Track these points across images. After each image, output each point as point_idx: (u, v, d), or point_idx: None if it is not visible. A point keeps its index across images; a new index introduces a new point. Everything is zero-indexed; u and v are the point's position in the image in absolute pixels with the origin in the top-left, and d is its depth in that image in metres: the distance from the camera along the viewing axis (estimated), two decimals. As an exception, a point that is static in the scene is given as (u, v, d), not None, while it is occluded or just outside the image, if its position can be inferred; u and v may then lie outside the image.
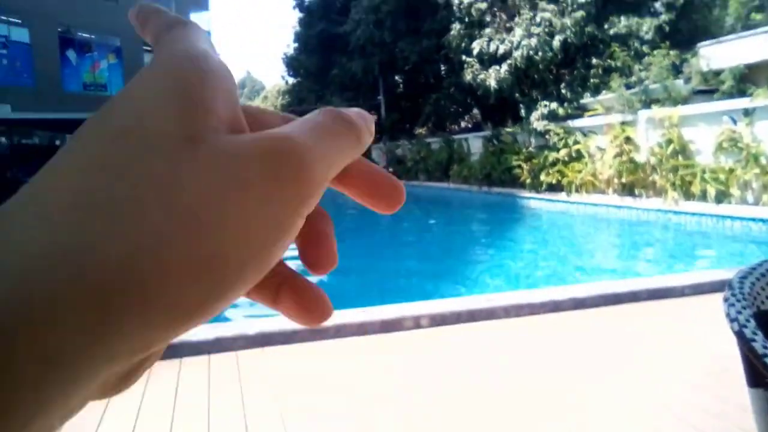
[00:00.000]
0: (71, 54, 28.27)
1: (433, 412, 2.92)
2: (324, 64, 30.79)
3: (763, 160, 10.66)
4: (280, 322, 4.22)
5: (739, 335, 0.91)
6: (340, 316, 4.27)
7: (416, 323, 4.34)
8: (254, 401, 3.06)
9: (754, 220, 10.09)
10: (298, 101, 35.32)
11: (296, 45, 34.49)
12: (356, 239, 13.14)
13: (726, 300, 1.00)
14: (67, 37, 27.93)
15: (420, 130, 29.56)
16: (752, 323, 0.91)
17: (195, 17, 37.85)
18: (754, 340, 0.89)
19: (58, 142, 27.57)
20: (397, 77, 30.33)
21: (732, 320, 0.94)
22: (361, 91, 29.57)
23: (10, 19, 25.01)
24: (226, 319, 4.61)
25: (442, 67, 26.48)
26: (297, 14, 33.70)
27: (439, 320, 4.40)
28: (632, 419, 2.80)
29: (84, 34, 28.80)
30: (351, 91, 29.75)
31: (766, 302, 1.06)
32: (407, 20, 24.90)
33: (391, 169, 27.71)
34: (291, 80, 37.19)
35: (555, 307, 4.68)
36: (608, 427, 2.74)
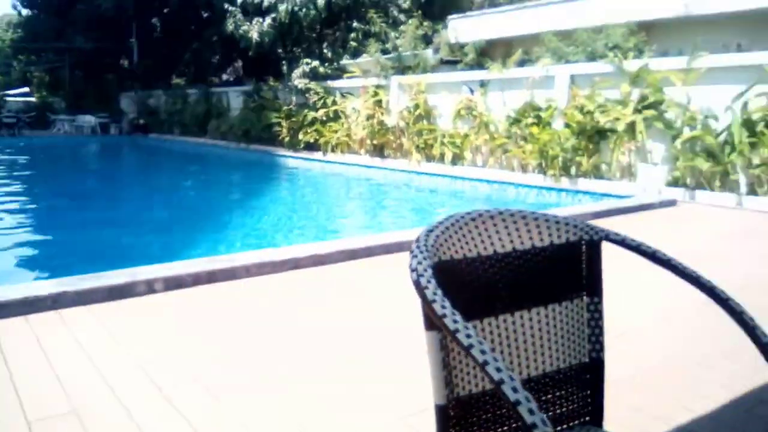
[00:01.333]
0: None
1: (153, 391, 2.66)
2: (67, -3, 26.86)
3: (492, 128, 11.84)
4: None
5: (416, 284, 0.98)
6: (58, 284, 3.77)
7: (150, 287, 3.96)
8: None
9: (480, 180, 11.28)
10: (33, 37, 30.58)
11: (31, -29, 29.73)
12: (98, 192, 11.92)
13: (411, 252, 1.07)
14: None
15: (178, 80, 27.61)
16: (428, 272, 0.99)
17: None
18: (426, 288, 0.95)
19: None
20: (154, 20, 27.84)
21: (412, 270, 1.01)
22: (110, 32, 26.55)
23: None
24: None
25: (204, 14, 24.93)
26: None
27: (175, 284, 4.05)
28: (360, 363, 2.81)
29: None
30: (99, 30, 26.55)
31: (447, 253, 1.15)
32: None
33: (142, 121, 25.47)
34: (25, 12, 32.02)
35: (296, 264, 4.65)
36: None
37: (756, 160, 8.17)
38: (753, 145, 8.10)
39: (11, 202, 10.45)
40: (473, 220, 1.22)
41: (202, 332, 3.30)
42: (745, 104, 8.33)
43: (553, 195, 9.98)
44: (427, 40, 16.66)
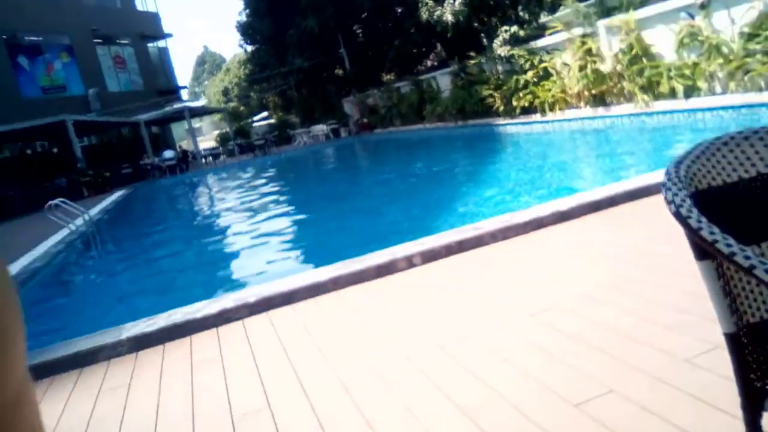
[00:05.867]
0: (22, 59, 27.41)
1: (435, 349, 2.99)
2: (279, 26, 30.04)
3: (724, 50, 10.72)
4: (278, 285, 4.36)
5: (677, 215, 0.96)
6: (335, 269, 4.38)
7: (410, 263, 4.39)
8: (267, 364, 3.20)
9: (724, 108, 10.21)
10: (260, 68, 34.67)
11: (247, 11, 33.63)
12: (348, 187, 13.36)
13: (663, 185, 1.05)
14: (15, 43, 26.97)
15: (387, 77, 29.29)
16: (688, 202, 0.96)
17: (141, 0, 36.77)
18: (690, 218, 0.94)
19: (29, 152, 27.03)
20: (355, 27, 29.80)
21: (669, 203, 0.99)
22: (321, 48, 29.09)
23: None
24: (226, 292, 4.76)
25: (398, 10, 26.04)
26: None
27: (431, 256, 4.43)
28: (631, 324, 2.91)
29: (32, 37, 27.83)
30: (312, 49, 29.23)
31: (703, 182, 1.11)
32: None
33: (366, 120, 27.53)
34: (249, 48, 36.34)
35: (539, 224, 4.72)
36: (611, 334, 2.87)
37: None
38: None
39: (291, 204, 12.20)
40: (725, 144, 1.17)
41: (458, 299, 3.61)
42: None
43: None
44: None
